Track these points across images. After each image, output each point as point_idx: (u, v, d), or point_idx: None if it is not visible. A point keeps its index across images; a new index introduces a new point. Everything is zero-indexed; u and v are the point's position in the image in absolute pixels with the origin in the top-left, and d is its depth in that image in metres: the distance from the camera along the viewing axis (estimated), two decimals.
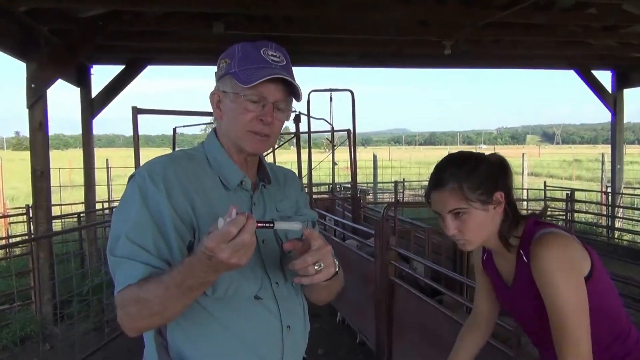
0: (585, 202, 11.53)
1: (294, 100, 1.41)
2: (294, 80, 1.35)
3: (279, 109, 1.37)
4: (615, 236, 9.21)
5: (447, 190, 1.53)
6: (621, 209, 10.49)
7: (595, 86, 9.48)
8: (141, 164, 1.48)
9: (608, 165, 11.75)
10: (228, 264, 1.08)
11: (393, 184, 12.67)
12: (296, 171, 8.02)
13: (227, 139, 1.41)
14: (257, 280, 1.34)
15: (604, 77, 9.68)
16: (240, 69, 1.33)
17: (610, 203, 10.65)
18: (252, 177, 1.46)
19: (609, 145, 10.67)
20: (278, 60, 1.35)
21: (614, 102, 9.63)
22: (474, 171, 1.53)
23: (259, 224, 1.12)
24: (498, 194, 1.55)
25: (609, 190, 11.06)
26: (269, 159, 10.72)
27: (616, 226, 9.57)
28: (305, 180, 8.11)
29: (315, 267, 1.24)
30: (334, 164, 9.65)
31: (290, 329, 1.38)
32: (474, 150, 1.70)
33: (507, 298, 1.70)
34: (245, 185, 1.42)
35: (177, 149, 6.57)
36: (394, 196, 12.65)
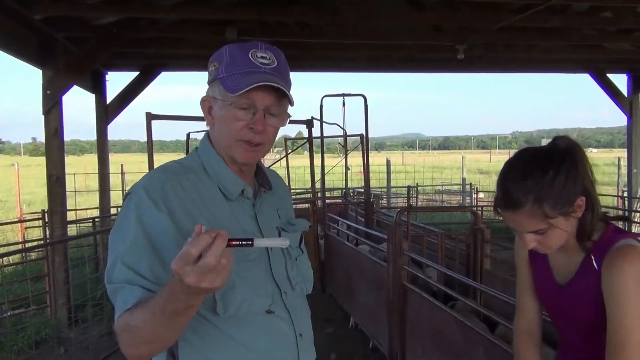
0: (601, 206, 11.39)
1: (290, 103, 1.33)
2: (285, 84, 1.28)
3: (271, 114, 1.29)
4: None
5: (525, 213, 1.40)
6: (638, 214, 10.35)
7: (610, 90, 9.38)
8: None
9: (624, 170, 11.62)
10: (199, 288, 0.98)
11: (406, 189, 12.62)
12: (309, 176, 8.06)
13: (220, 146, 1.35)
14: (268, 295, 1.31)
15: (620, 81, 9.59)
16: (227, 74, 1.26)
17: (626, 208, 10.52)
18: (251, 183, 1.41)
19: (626, 149, 10.56)
20: (267, 63, 1.28)
21: (630, 106, 9.51)
22: (552, 182, 1.38)
23: (234, 242, 1.01)
24: (579, 199, 1.42)
25: (625, 194, 10.93)
26: (282, 164, 10.75)
27: (633, 231, 9.46)
28: (318, 185, 8.12)
29: None
30: (347, 168, 9.65)
31: (302, 337, 1.37)
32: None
33: (555, 298, 1.59)
34: (247, 194, 1.36)
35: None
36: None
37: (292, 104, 1.32)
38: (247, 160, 1.32)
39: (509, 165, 1.47)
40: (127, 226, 1.19)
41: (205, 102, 1.35)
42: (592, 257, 1.47)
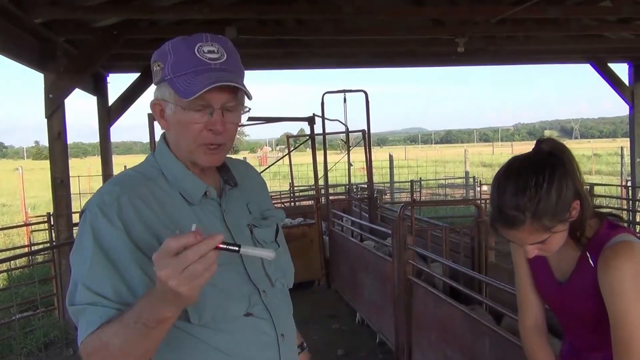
0: (605, 196, 11.39)
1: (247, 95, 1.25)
2: (239, 78, 1.20)
3: (229, 110, 1.21)
4: (637, 231, 9.08)
5: (525, 230, 1.40)
6: None
7: (612, 79, 9.35)
8: None
9: (628, 159, 11.59)
10: (167, 285, 0.94)
11: (409, 183, 12.62)
12: (312, 173, 8.08)
13: (178, 150, 1.27)
14: (244, 298, 1.25)
15: (621, 70, 9.55)
16: (175, 75, 1.17)
17: (630, 197, 10.50)
18: (215, 182, 1.33)
19: (628, 139, 10.52)
20: (216, 57, 1.18)
21: (631, 95, 9.47)
22: (547, 195, 1.37)
23: (221, 245, 0.98)
24: (574, 203, 1.41)
25: (629, 184, 10.90)
26: (285, 161, 10.75)
27: (637, 220, 9.44)
28: (321, 182, 8.13)
29: None
30: (350, 164, 9.66)
31: (284, 337, 1.31)
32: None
33: (556, 295, 1.59)
34: (211, 195, 1.28)
35: None
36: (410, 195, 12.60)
37: (249, 97, 1.25)
38: (210, 164, 1.26)
39: (500, 181, 1.44)
40: (85, 245, 1.13)
41: (156, 106, 1.25)
42: (588, 255, 1.47)
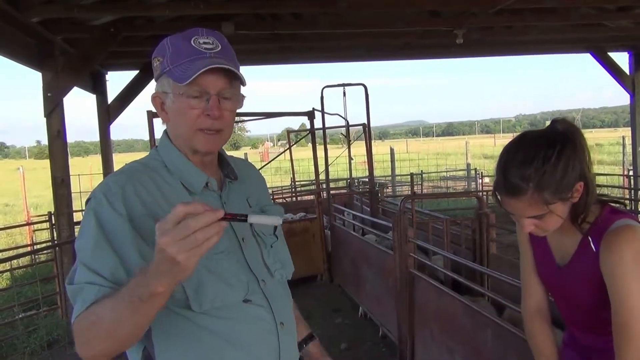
0: (607, 186, 11.35)
1: (242, 85, 1.31)
2: (233, 66, 1.24)
3: (225, 98, 1.27)
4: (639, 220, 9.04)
5: (525, 200, 1.41)
6: None
7: (612, 68, 9.30)
8: None
9: (630, 148, 11.56)
10: (165, 251, 0.94)
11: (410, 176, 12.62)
12: (313, 167, 8.07)
13: (179, 140, 1.32)
14: (242, 285, 1.28)
15: (622, 59, 9.51)
16: (173, 65, 1.24)
17: (632, 186, 10.47)
18: (215, 174, 1.38)
19: (630, 128, 10.48)
20: (211, 47, 1.25)
21: (632, 84, 9.43)
22: (553, 170, 1.39)
23: (228, 216, 0.99)
24: (578, 184, 1.43)
25: (631, 173, 10.88)
26: (286, 156, 10.75)
27: (639, 210, 9.41)
28: (322, 177, 8.12)
29: None
30: (351, 158, 9.66)
31: (283, 325, 1.34)
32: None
33: (556, 278, 1.60)
34: (212, 186, 1.34)
35: None
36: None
37: (243, 84, 1.30)
38: (209, 149, 1.30)
39: (509, 150, 1.47)
40: (88, 230, 1.17)
41: (157, 99, 1.32)
42: (590, 239, 1.48)
